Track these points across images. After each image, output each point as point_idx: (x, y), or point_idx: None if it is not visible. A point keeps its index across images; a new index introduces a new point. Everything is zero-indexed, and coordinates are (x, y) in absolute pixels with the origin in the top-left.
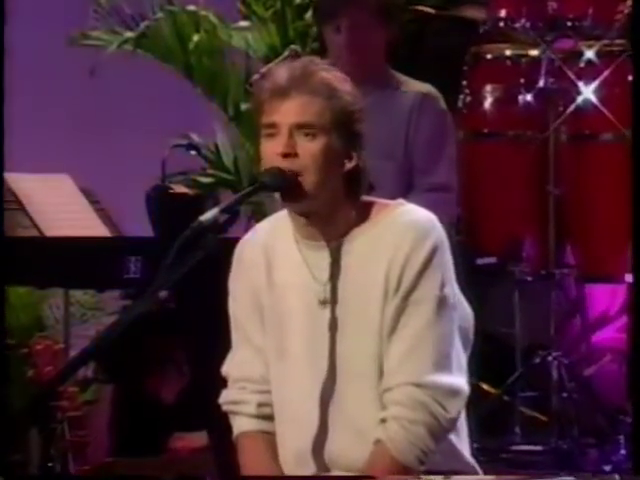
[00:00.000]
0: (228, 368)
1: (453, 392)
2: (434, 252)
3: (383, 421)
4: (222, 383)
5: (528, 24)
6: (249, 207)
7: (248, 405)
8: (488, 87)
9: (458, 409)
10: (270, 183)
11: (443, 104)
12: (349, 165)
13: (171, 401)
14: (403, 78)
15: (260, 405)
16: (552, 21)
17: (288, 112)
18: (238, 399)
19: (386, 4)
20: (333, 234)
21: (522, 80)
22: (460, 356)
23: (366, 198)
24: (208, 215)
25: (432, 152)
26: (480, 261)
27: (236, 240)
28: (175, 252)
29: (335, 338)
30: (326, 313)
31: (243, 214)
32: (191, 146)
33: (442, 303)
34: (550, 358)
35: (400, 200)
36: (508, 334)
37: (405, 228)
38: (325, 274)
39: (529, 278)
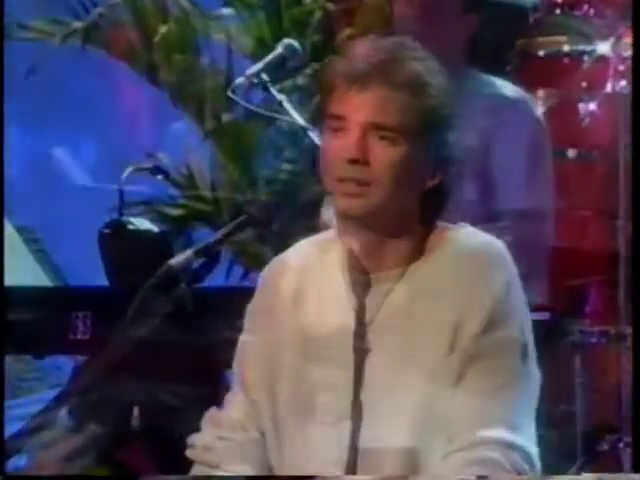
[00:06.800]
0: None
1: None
2: (509, 288)
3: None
4: None
5: (592, 11)
6: (232, 248)
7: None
8: (540, 92)
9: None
10: (259, 216)
11: (537, 112)
12: (430, 183)
13: None
14: (485, 77)
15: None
16: (623, 7)
17: (363, 107)
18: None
19: None
20: (389, 266)
21: (584, 84)
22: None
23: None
24: (179, 258)
25: (521, 171)
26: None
27: (216, 290)
28: (137, 306)
29: (375, 396)
30: (368, 364)
31: (224, 257)
32: (157, 169)
33: (524, 351)
34: (621, 444)
35: (461, 223)
36: (566, 412)
37: (470, 258)
38: (372, 316)
39: (593, 339)
